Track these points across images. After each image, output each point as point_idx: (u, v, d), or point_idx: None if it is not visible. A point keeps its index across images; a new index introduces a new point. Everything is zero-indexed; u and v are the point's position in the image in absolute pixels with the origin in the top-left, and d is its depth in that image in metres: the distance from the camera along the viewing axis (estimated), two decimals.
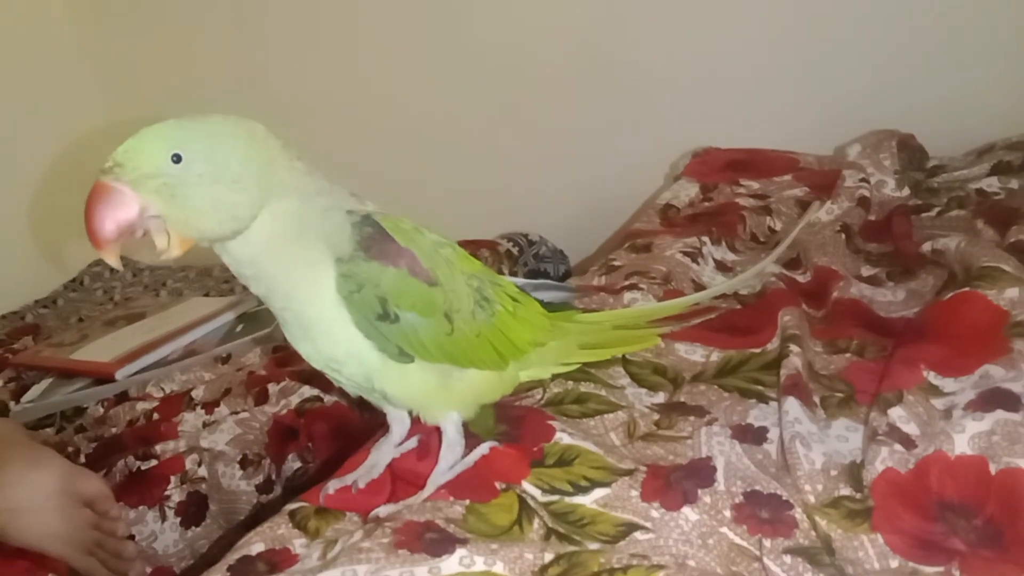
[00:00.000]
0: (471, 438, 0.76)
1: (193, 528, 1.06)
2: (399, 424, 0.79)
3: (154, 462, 1.10)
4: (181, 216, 0.62)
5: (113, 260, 0.63)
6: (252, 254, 0.66)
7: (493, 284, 0.75)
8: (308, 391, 1.20)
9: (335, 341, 0.69)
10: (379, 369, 0.70)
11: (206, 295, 1.79)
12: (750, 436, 0.78)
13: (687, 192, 1.42)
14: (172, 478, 1.07)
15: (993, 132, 1.41)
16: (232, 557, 0.67)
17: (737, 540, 0.67)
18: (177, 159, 0.61)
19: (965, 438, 0.69)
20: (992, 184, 1.27)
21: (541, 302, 0.80)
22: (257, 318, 1.46)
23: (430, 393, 0.73)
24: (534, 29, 1.77)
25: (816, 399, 0.82)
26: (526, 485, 0.72)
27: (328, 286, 0.66)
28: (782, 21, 1.58)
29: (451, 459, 0.74)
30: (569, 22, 1.74)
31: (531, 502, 0.70)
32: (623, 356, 0.90)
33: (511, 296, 0.76)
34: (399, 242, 0.68)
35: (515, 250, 1.73)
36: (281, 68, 2.03)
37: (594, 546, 0.66)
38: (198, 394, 1.27)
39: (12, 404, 1.38)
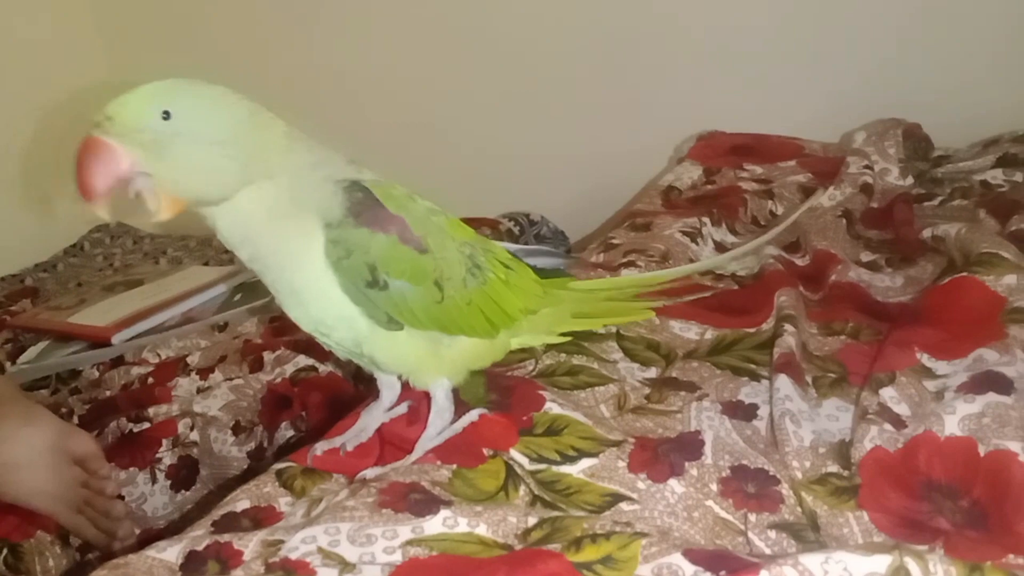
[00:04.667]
0: (461, 405, 0.76)
1: (183, 491, 1.07)
2: (389, 389, 0.79)
3: (146, 425, 1.10)
4: (168, 174, 0.62)
5: (104, 213, 0.62)
6: (243, 223, 0.66)
7: (485, 251, 0.75)
8: (303, 360, 1.20)
9: (324, 307, 0.69)
10: (368, 335, 0.70)
11: (205, 264, 1.79)
12: (740, 412, 0.78)
13: (690, 175, 1.41)
14: (164, 441, 1.08)
15: (999, 124, 1.40)
16: (217, 513, 0.67)
17: (722, 514, 0.67)
18: (167, 116, 0.61)
19: (955, 419, 0.69)
20: (996, 176, 1.26)
21: (535, 268, 0.80)
22: (255, 288, 1.46)
23: (419, 360, 0.73)
24: (541, 10, 1.75)
25: (808, 379, 0.82)
26: (514, 453, 0.72)
27: (317, 252, 0.66)
28: (791, 7, 1.57)
29: (440, 425, 0.74)
30: (576, 3, 1.73)
31: (518, 469, 0.70)
32: (617, 331, 0.90)
33: (503, 263, 0.76)
34: (389, 209, 0.68)
35: (516, 229, 1.73)
36: (285, 39, 2.02)
37: (579, 514, 0.66)
38: (193, 360, 1.27)
39: (9, 365, 1.39)
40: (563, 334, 0.84)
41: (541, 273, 0.80)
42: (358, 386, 1.18)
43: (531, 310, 0.78)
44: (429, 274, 0.69)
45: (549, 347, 0.86)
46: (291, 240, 0.66)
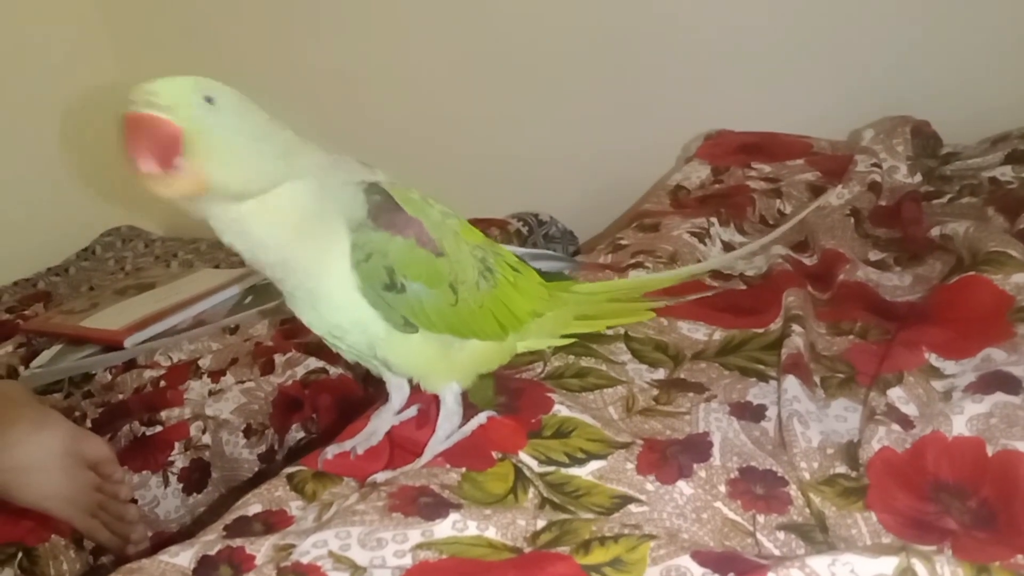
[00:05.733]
0: (469, 408, 0.76)
1: (195, 494, 1.07)
2: (398, 392, 0.79)
3: (159, 428, 1.11)
4: (204, 157, 0.60)
5: (167, 190, 0.60)
6: (278, 223, 0.65)
7: (495, 254, 0.75)
8: (314, 363, 1.21)
9: (341, 310, 0.69)
10: (383, 339, 0.71)
11: (216, 267, 1.80)
12: (748, 413, 0.78)
13: (698, 174, 1.42)
14: (176, 444, 1.08)
15: (1008, 121, 1.39)
16: (229, 517, 0.68)
17: (731, 515, 0.67)
18: (209, 101, 0.60)
19: (963, 419, 0.69)
20: (1006, 173, 1.26)
21: (539, 271, 0.80)
22: (266, 291, 1.47)
23: (431, 363, 0.74)
24: (548, 10, 1.76)
25: (816, 379, 0.82)
26: (522, 455, 0.72)
27: (342, 256, 0.66)
28: (798, 5, 1.57)
29: (448, 428, 0.74)
30: (583, 3, 1.73)
31: (527, 472, 0.71)
32: (625, 332, 0.91)
33: (511, 266, 0.76)
34: (408, 212, 0.68)
35: (525, 230, 1.73)
36: (294, 40, 2.03)
37: (588, 516, 0.66)
38: (205, 363, 1.28)
39: (22, 369, 1.40)
40: (567, 336, 0.85)
41: (545, 276, 0.81)
42: (368, 388, 1.18)
43: (538, 313, 0.78)
44: (445, 277, 0.70)
45: (558, 349, 0.87)
46: (318, 242, 0.66)
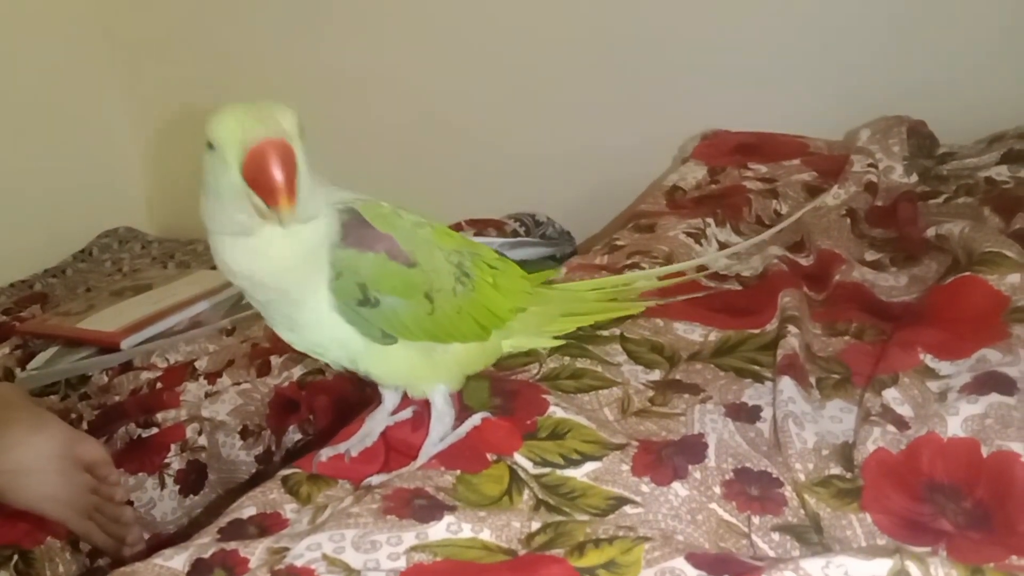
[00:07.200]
0: (464, 410, 0.76)
1: (191, 496, 1.07)
2: (391, 393, 0.79)
3: (155, 430, 1.11)
4: (301, 180, 0.60)
5: (287, 211, 0.59)
6: (286, 258, 0.65)
7: (472, 255, 0.75)
8: (310, 364, 1.21)
9: (319, 330, 0.69)
10: (363, 352, 0.71)
11: (213, 268, 1.80)
12: (744, 414, 0.78)
13: (694, 174, 1.42)
14: (172, 446, 1.08)
15: (1004, 120, 1.39)
16: (223, 520, 0.68)
17: (726, 516, 0.67)
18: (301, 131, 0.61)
19: (958, 420, 0.69)
20: (1001, 172, 1.25)
21: (520, 262, 0.81)
22: None
23: (414, 369, 0.74)
24: (544, 10, 1.76)
25: (812, 380, 0.82)
26: (518, 457, 0.72)
27: (323, 280, 0.66)
28: (796, 5, 1.57)
29: (441, 430, 0.74)
30: (580, 3, 1.73)
31: (522, 473, 0.71)
32: (621, 333, 0.91)
33: (489, 264, 0.76)
34: (377, 228, 0.68)
35: (522, 230, 1.73)
36: (291, 41, 2.03)
37: (583, 518, 0.66)
38: (201, 364, 1.28)
39: (18, 371, 1.40)
40: (556, 337, 0.85)
41: (527, 266, 0.81)
42: (364, 389, 1.18)
43: (520, 308, 0.79)
44: (419, 287, 0.69)
45: (553, 351, 0.87)
46: (310, 269, 0.66)
